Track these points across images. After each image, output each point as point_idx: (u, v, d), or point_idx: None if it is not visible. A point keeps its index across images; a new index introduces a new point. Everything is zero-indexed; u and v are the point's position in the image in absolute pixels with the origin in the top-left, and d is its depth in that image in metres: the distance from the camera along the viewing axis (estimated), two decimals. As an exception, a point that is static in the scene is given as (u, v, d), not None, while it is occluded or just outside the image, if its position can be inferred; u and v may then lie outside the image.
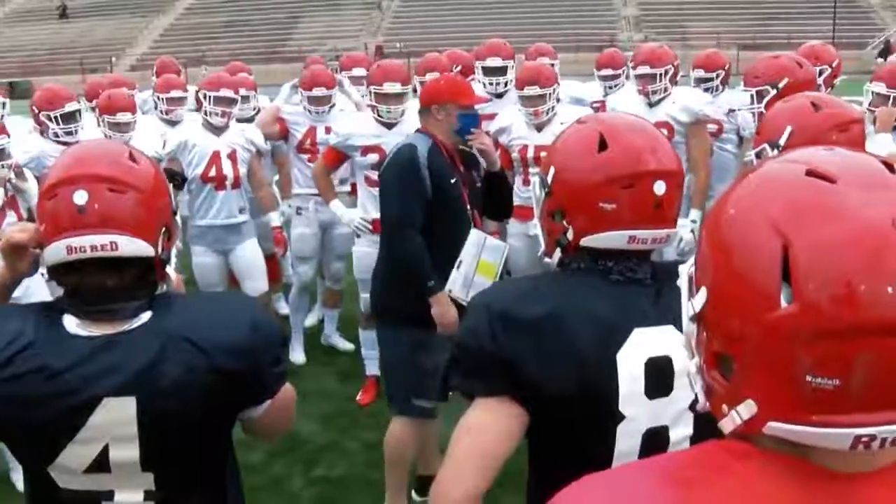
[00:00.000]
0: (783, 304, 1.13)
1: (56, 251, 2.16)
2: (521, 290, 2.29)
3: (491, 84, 7.46)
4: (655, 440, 2.20)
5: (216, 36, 59.06)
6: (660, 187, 2.23)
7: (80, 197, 2.15)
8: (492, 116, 7.27)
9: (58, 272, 2.22)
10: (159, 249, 2.25)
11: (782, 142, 3.41)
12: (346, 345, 8.04)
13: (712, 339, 1.25)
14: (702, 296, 1.26)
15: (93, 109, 7.96)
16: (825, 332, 1.10)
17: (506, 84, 7.48)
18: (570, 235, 2.28)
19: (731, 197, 1.26)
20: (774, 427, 1.17)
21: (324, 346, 8.14)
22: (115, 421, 2.14)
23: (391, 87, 6.31)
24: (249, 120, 7.94)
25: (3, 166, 5.71)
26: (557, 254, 2.36)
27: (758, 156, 3.55)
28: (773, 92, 5.05)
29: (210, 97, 6.90)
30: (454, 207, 4.72)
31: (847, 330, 1.08)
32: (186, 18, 63.89)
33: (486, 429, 2.16)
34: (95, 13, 64.92)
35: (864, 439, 1.12)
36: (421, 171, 4.66)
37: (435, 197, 4.66)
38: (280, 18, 61.21)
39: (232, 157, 6.95)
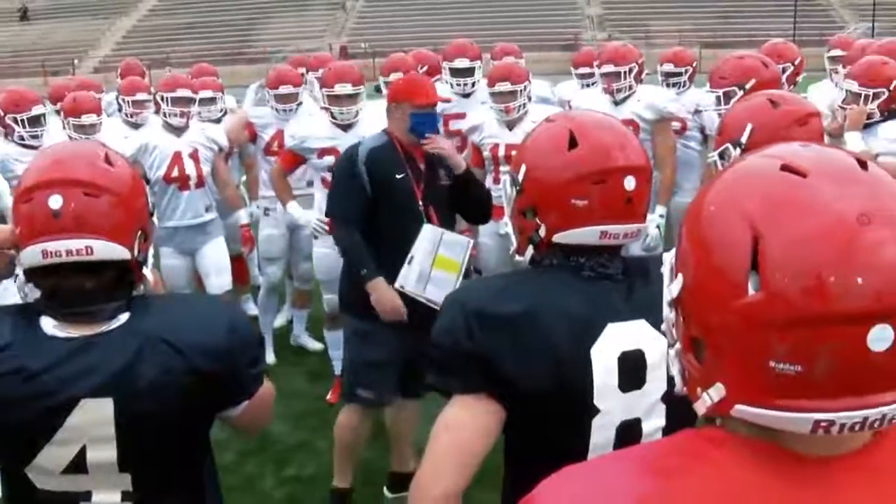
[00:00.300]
0: (751, 292, 1.17)
1: (32, 255, 2.17)
2: (495, 287, 2.32)
3: (459, 85, 7.50)
4: (629, 432, 2.24)
5: (180, 37, 58.71)
6: (630, 183, 2.27)
7: (55, 201, 2.16)
8: (460, 115, 7.31)
9: (35, 274, 2.23)
10: (136, 252, 2.26)
11: (744, 140, 3.46)
12: (315, 345, 8.03)
13: (688, 324, 1.29)
14: (678, 282, 1.31)
15: (57, 112, 7.91)
16: (790, 320, 1.14)
17: (473, 84, 7.53)
18: (542, 232, 2.31)
19: (710, 190, 1.31)
20: (741, 410, 1.22)
21: (293, 346, 8.15)
22: (93, 422, 2.15)
23: (342, 89, 6.31)
24: (217, 122, 7.94)
25: None
26: (529, 251, 2.38)
27: (720, 156, 3.59)
28: (741, 93, 5.11)
29: (167, 98, 6.90)
30: (401, 203, 4.80)
31: (811, 319, 1.13)
32: (149, 20, 63.50)
33: (464, 426, 2.18)
34: (57, 15, 64.39)
35: (823, 424, 1.16)
36: (356, 168, 4.79)
37: (375, 193, 4.77)
38: (244, 19, 60.97)
39: (194, 156, 6.94)
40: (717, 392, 1.25)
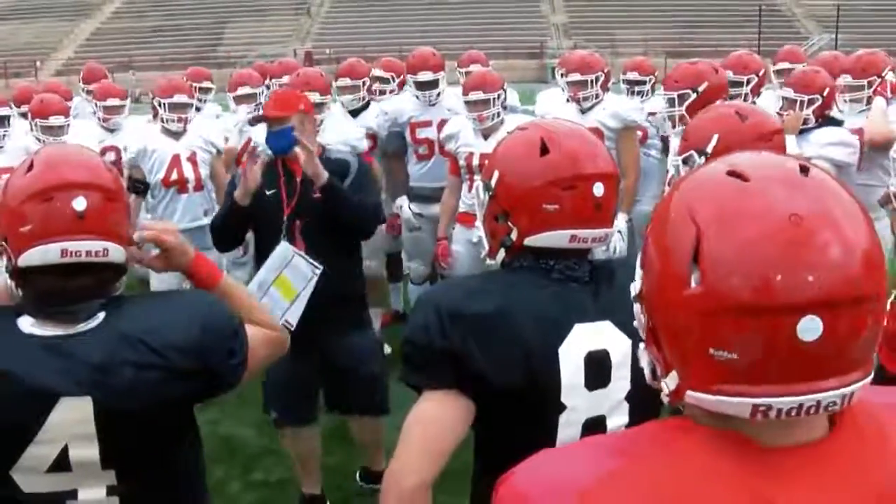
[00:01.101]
0: (692, 284, 1.27)
1: (49, 253, 2.23)
2: (468, 287, 2.40)
3: (424, 96, 7.59)
4: (594, 429, 2.32)
5: (144, 41, 58.48)
6: (599, 189, 2.37)
7: (80, 203, 2.24)
8: (427, 123, 7.39)
9: (24, 272, 2.27)
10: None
11: (709, 149, 3.54)
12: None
13: (648, 317, 1.40)
14: (638, 279, 1.43)
15: (24, 115, 7.91)
16: (725, 310, 1.24)
17: (438, 95, 7.63)
18: (514, 236, 2.40)
19: (670, 194, 1.40)
20: (691, 396, 1.32)
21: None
22: (73, 420, 2.19)
23: (310, 96, 6.35)
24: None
25: None
26: (501, 255, 2.47)
27: (685, 161, 3.67)
28: (694, 95, 5.31)
29: (165, 104, 6.93)
30: (268, 218, 4.84)
31: (744, 309, 1.23)
32: (113, 23, 63.20)
33: (435, 420, 2.26)
34: (19, 16, 63.94)
35: (761, 409, 1.25)
36: (235, 181, 4.94)
37: (249, 207, 4.82)
38: (209, 23, 60.81)
39: (192, 159, 7.01)
40: (672, 380, 1.36)
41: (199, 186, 7.06)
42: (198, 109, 8.09)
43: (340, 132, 6.69)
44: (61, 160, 2.37)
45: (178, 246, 2.55)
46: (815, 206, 1.26)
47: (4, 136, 7.03)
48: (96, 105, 8.24)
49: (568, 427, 2.30)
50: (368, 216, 4.99)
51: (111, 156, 8.05)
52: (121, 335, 2.23)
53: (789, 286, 1.21)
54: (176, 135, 7.01)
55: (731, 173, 1.32)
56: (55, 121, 7.12)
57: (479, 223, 2.56)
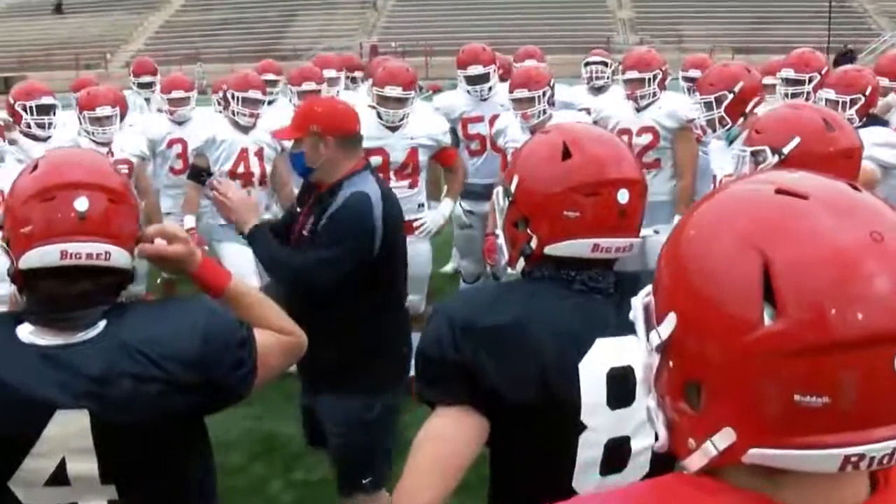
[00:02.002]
0: (766, 322, 1.09)
1: (48, 255, 2.16)
2: (483, 299, 2.30)
3: (475, 91, 7.52)
4: (617, 451, 2.21)
5: (211, 33, 58.97)
6: (623, 196, 2.24)
7: (82, 203, 2.17)
8: (478, 118, 7.32)
9: (26, 276, 2.21)
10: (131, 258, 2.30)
11: (786, 150, 3.38)
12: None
13: (680, 367, 1.20)
14: (670, 322, 1.20)
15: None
16: (812, 348, 1.06)
17: (489, 89, 7.57)
18: (533, 244, 2.29)
19: (693, 219, 1.24)
20: (755, 454, 1.12)
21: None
22: (70, 434, 2.11)
23: (392, 91, 6.33)
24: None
25: None
26: (521, 264, 2.35)
27: (753, 155, 3.52)
28: (731, 96, 5.24)
29: (238, 97, 6.92)
30: (287, 234, 4.42)
31: (835, 345, 1.06)
32: (182, 15, 63.80)
33: (448, 438, 2.16)
34: (91, 9, 64.77)
35: (853, 459, 1.08)
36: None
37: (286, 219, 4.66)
38: (275, 17, 61.12)
39: (259, 154, 7.02)
40: (724, 438, 1.14)
41: (263, 181, 7.08)
42: (270, 103, 8.08)
43: (424, 127, 6.60)
44: (65, 161, 2.32)
45: (185, 255, 2.44)
46: (887, 222, 1.11)
47: (49, 125, 7.05)
48: (161, 97, 8.25)
49: (588, 448, 2.19)
50: (287, 274, 4.27)
51: (178, 148, 8.09)
52: (121, 345, 2.15)
53: (887, 312, 1.05)
54: (245, 128, 7.00)
55: (783, 191, 1.16)
56: (101, 111, 7.11)
57: (498, 230, 2.44)
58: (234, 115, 6.97)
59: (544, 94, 6.61)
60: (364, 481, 4.32)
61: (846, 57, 27.84)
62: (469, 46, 7.85)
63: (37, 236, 2.17)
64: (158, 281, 8.01)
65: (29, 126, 6.98)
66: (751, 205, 1.18)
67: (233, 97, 6.95)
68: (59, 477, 2.15)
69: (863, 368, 1.06)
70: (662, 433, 1.25)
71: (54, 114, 7.18)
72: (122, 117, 7.68)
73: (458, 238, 7.85)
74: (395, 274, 4.29)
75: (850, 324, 1.05)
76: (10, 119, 7.07)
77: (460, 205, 7.46)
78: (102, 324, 2.19)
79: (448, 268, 9.67)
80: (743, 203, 1.19)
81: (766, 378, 1.10)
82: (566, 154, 2.25)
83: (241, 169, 6.95)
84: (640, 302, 1.31)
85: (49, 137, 7.09)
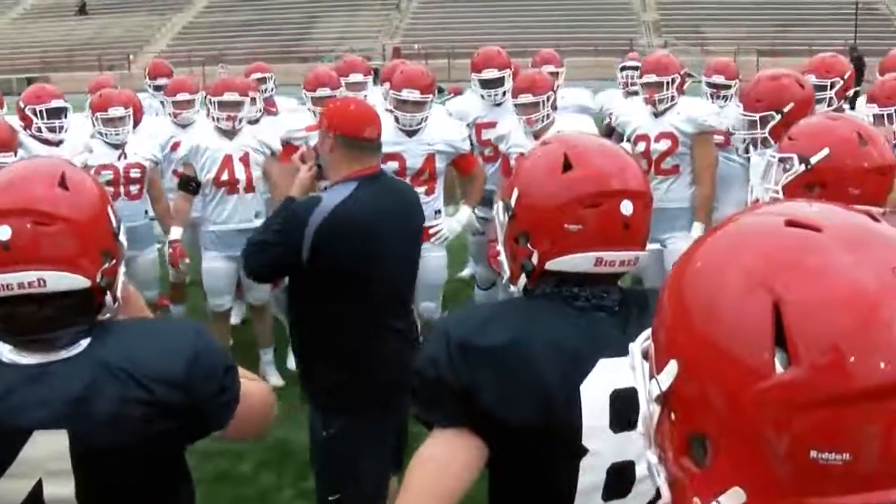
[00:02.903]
0: (778, 370, 0.99)
1: None
2: (482, 317, 2.22)
3: (490, 95, 7.45)
4: (620, 476, 2.14)
5: (234, 35, 59.07)
6: (626, 207, 2.17)
7: (4, 232, 2.04)
8: (492, 124, 7.24)
9: None
10: (98, 277, 2.14)
11: (814, 160, 3.29)
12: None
13: (683, 420, 1.09)
14: (671, 370, 1.09)
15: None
16: (829, 399, 0.96)
17: (504, 94, 7.48)
18: (535, 259, 2.21)
19: (699, 251, 1.13)
20: None
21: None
22: (48, 455, 2.04)
23: (409, 94, 6.27)
24: (254, 122, 7.91)
25: None
26: (522, 280, 2.27)
27: (782, 161, 3.44)
28: (778, 117, 4.97)
29: (214, 102, 6.85)
30: None
31: (855, 396, 0.96)
32: (205, 17, 63.94)
33: (444, 461, 2.10)
34: (114, 10, 65.00)
35: None
36: None
37: None
38: (298, 18, 61.16)
39: (244, 160, 6.91)
40: (733, 499, 1.03)
41: (249, 188, 6.96)
42: (266, 110, 8.02)
43: (442, 133, 6.54)
44: (1, 183, 2.16)
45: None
46: None
47: (59, 128, 7.01)
48: (165, 101, 8.21)
49: (590, 472, 2.12)
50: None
51: (182, 151, 8.04)
52: (103, 365, 2.07)
53: None
54: (229, 134, 6.92)
55: (793, 223, 1.06)
56: (114, 112, 7.04)
57: (499, 246, 2.36)
58: (215, 120, 6.90)
59: (548, 98, 6.56)
60: (330, 498, 4.23)
61: (856, 60, 27.40)
62: (484, 50, 7.78)
63: None
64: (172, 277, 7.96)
65: (40, 130, 6.94)
66: (760, 238, 1.08)
67: (210, 102, 6.89)
68: (35, 499, 2.08)
69: (886, 422, 0.96)
70: (665, 491, 1.14)
71: (65, 117, 7.14)
72: (138, 122, 7.64)
73: (472, 244, 7.78)
74: (362, 291, 4.07)
75: (872, 372, 0.95)
76: (21, 123, 7.05)
77: (474, 211, 7.38)
78: (85, 342, 2.11)
79: (464, 273, 9.60)
80: (751, 236, 1.10)
81: (778, 432, 0.99)
82: (567, 166, 2.18)
83: (224, 176, 6.86)
84: (638, 347, 1.22)
85: (61, 141, 7.05)
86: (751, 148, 5.39)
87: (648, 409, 1.16)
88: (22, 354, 2.09)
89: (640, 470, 2.13)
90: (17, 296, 2.06)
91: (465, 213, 6.77)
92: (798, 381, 0.97)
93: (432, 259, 6.47)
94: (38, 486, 2.07)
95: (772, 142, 5.05)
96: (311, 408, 4.31)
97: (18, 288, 2.04)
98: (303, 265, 3.95)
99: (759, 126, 5.09)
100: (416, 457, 2.12)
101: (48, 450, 2.04)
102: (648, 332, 1.21)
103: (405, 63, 8.50)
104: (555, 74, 8.25)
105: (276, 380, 7.37)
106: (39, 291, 2.06)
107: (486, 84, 7.49)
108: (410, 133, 6.31)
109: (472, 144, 7.49)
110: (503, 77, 7.45)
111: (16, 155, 5.65)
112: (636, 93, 8.73)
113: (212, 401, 2.18)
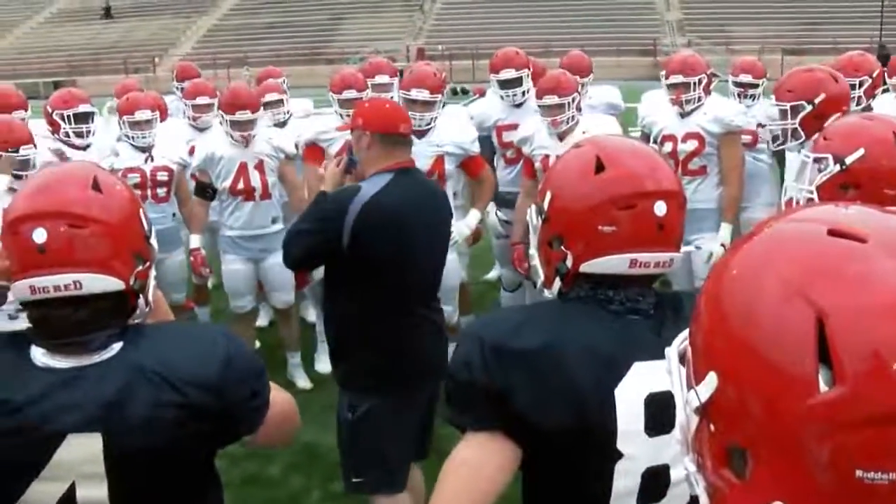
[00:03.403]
0: (822, 387, 0.96)
1: (20, 290, 2.11)
2: (516, 320, 2.20)
3: (508, 96, 7.39)
4: (655, 480, 2.12)
5: (259, 37, 59.20)
6: (661, 208, 2.15)
7: (40, 235, 2.07)
8: (513, 126, 7.20)
9: (25, 304, 2.16)
10: (131, 280, 2.16)
11: (849, 161, 3.26)
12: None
13: (723, 431, 1.06)
14: (710, 382, 1.06)
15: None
16: (876, 418, 0.93)
17: (523, 94, 7.40)
18: (569, 262, 2.20)
19: (737, 259, 1.10)
20: None
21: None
22: (81, 458, 2.05)
23: (418, 94, 6.25)
24: (282, 125, 7.91)
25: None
26: (557, 284, 2.26)
27: (816, 161, 3.42)
28: (809, 108, 4.91)
29: (227, 120, 6.80)
30: None
31: None
32: (229, 19, 64.11)
33: (477, 465, 2.09)
34: (139, 13, 65.29)
35: None
36: None
37: None
38: (322, 20, 61.25)
39: (259, 167, 6.89)
40: None
41: (265, 195, 6.96)
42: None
43: (452, 134, 6.50)
44: (35, 187, 2.21)
45: None
46: None
47: (87, 132, 7.04)
48: (185, 104, 8.22)
49: (625, 477, 2.10)
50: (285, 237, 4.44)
51: (197, 159, 8.04)
52: (137, 368, 2.08)
53: None
54: (244, 141, 6.88)
55: (835, 233, 1.02)
56: (140, 115, 7.06)
57: (533, 251, 2.35)
58: (229, 136, 6.84)
59: (573, 100, 6.50)
60: (354, 480, 4.37)
61: (884, 59, 27.23)
62: (502, 51, 7.68)
63: (13, 270, 2.12)
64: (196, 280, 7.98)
65: (67, 135, 6.96)
66: (800, 247, 1.05)
67: (223, 119, 6.84)
68: (68, 502, 2.09)
69: None
70: (704, 501, 1.12)
71: (92, 121, 7.14)
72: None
73: (497, 247, 7.75)
74: (398, 279, 4.20)
75: None
76: (49, 127, 7.08)
77: (496, 214, 7.32)
78: (118, 346, 2.13)
79: (491, 275, 9.58)
80: (791, 245, 1.06)
81: (822, 450, 0.96)
82: (599, 167, 2.17)
83: (240, 185, 6.86)
84: (674, 351, 1.19)
85: (88, 145, 7.08)
86: (780, 139, 5.31)
87: (686, 418, 1.13)
88: (55, 358, 2.10)
89: (675, 474, 2.12)
90: (52, 299, 2.08)
91: (473, 217, 6.70)
92: (843, 399, 0.94)
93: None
94: (72, 489, 2.08)
95: (802, 133, 5.01)
96: (341, 391, 4.43)
97: (54, 291, 2.07)
98: (343, 252, 4.07)
99: (789, 115, 5.03)
100: (450, 460, 2.11)
101: (82, 453, 2.05)
102: (685, 334, 1.19)
103: (429, 63, 8.47)
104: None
105: (303, 383, 7.39)
106: (74, 294, 2.08)
107: (504, 84, 7.41)
108: (420, 134, 6.27)
109: (493, 147, 7.49)
110: (521, 77, 7.36)
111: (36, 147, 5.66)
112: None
113: (243, 405, 2.19)
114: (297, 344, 7.50)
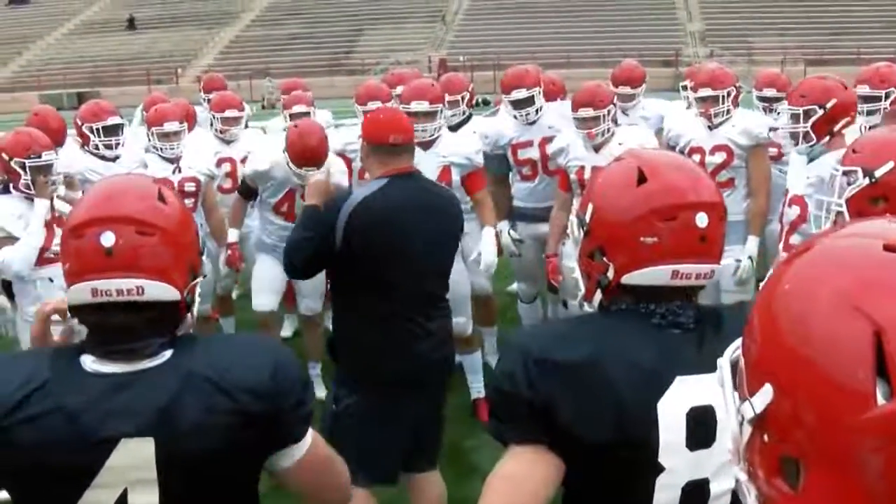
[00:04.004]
0: (880, 401, 0.95)
1: (80, 292, 2.13)
2: (559, 332, 2.23)
3: (521, 115, 7.27)
4: (696, 494, 2.13)
5: (281, 48, 59.41)
6: (702, 219, 2.16)
7: (108, 239, 2.10)
8: (528, 143, 7.19)
9: (79, 310, 2.18)
10: (185, 292, 2.20)
11: (878, 174, 3.27)
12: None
13: (778, 442, 1.06)
14: (766, 394, 1.06)
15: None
16: None
17: (537, 111, 7.28)
18: (610, 274, 2.21)
19: (789, 275, 1.10)
20: None
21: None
22: (134, 464, 2.07)
23: (418, 106, 6.28)
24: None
25: (52, 182, 5.68)
26: (598, 297, 2.28)
27: (846, 174, 3.42)
28: (821, 112, 4.99)
29: (294, 171, 6.52)
30: None
31: None
32: (252, 30, 64.31)
33: (520, 478, 2.10)
34: (162, 25, 65.58)
35: None
36: None
37: None
38: (344, 31, 61.38)
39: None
40: None
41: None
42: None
43: (457, 145, 6.56)
44: (100, 194, 2.27)
45: None
46: None
47: (117, 144, 7.07)
48: (213, 116, 8.23)
49: (666, 490, 2.11)
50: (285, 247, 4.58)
51: (227, 167, 8.08)
52: (188, 374, 2.11)
53: None
54: None
55: (891, 248, 1.02)
56: (169, 126, 7.11)
57: (573, 263, 2.36)
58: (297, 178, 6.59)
59: (609, 112, 6.50)
60: None
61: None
62: (513, 69, 7.54)
63: (72, 273, 2.15)
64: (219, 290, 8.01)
65: (97, 147, 6.99)
66: (857, 262, 1.05)
67: (288, 164, 6.53)
68: None
69: None
70: None
71: (122, 133, 7.17)
72: (189, 130, 7.72)
73: (514, 262, 7.73)
74: (390, 281, 4.29)
75: None
76: (79, 139, 7.13)
77: (508, 233, 7.26)
78: (168, 353, 2.15)
79: (514, 286, 9.57)
80: (847, 260, 1.06)
81: (877, 462, 0.95)
82: (641, 179, 2.18)
83: (284, 208, 6.85)
84: (727, 361, 1.19)
85: (118, 157, 7.12)
86: (792, 141, 5.35)
87: (739, 428, 1.14)
88: (106, 364, 2.12)
89: (715, 487, 2.13)
90: (111, 303, 2.11)
91: (489, 241, 6.57)
92: None
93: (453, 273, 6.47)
94: (123, 497, 2.10)
95: (813, 137, 5.05)
96: (332, 382, 4.62)
97: (117, 294, 2.10)
98: (336, 254, 4.19)
99: (801, 119, 5.09)
100: (493, 474, 2.12)
101: (134, 458, 2.07)
102: (736, 345, 1.19)
103: (451, 75, 8.47)
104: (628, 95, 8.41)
105: (320, 392, 7.38)
106: (134, 300, 2.11)
107: (516, 105, 7.27)
108: (425, 145, 6.28)
109: (508, 165, 7.50)
110: (532, 97, 7.22)
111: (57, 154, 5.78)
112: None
113: (291, 412, 2.21)
114: (319, 353, 7.48)
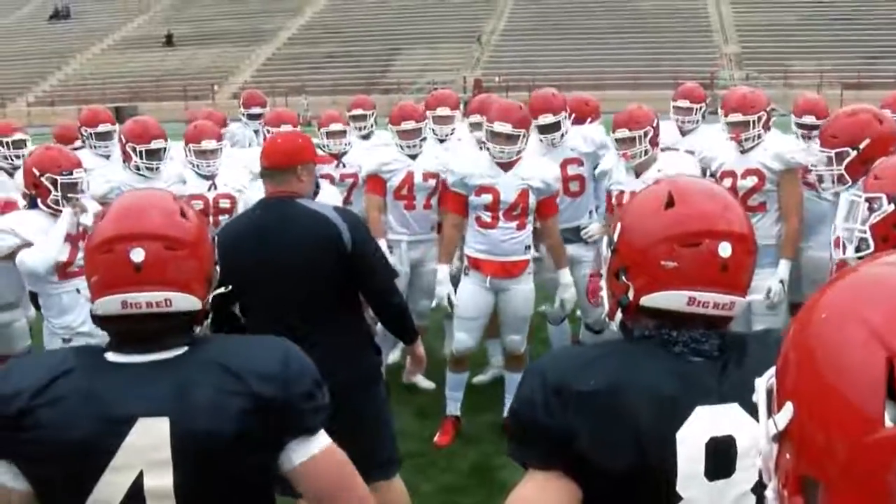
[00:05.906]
0: (888, 424, 0.97)
1: (110, 304, 2.26)
2: (580, 359, 2.22)
3: (548, 139, 7.26)
4: None
5: (317, 66, 59.74)
6: (725, 249, 2.15)
7: (138, 254, 2.24)
8: None
9: (102, 319, 2.31)
10: (204, 301, 2.36)
11: None
12: (426, 383, 7.87)
13: (799, 461, 1.08)
14: (787, 412, 1.09)
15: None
16: None
17: (562, 136, 7.27)
18: (630, 295, 2.22)
19: (824, 300, 1.12)
20: None
21: (404, 383, 7.99)
22: (149, 444, 2.16)
23: (501, 128, 6.27)
24: (341, 156, 8.02)
25: (77, 200, 5.71)
26: (619, 316, 2.29)
27: (868, 200, 3.41)
28: (854, 153, 4.86)
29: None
30: None
31: None
32: (288, 48, 64.76)
33: (536, 503, 2.10)
34: (200, 42, 66.18)
35: None
36: None
37: None
38: (380, 50, 61.63)
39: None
40: None
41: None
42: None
43: (537, 169, 6.56)
44: (126, 210, 2.38)
45: None
46: None
47: (158, 167, 7.04)
48: (268, 131, 8.28)
49: None
50: None
51: None
52: (203, 361, 2.25)
53: None
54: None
55: None
56: (207, 145, 7.16)
57: (602, 282, 2.38)
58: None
59: (646, 134, 6.49)
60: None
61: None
62: (539, 93, 7.48)
63: (103, 285, 2.27)
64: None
65: (138, 168, 7.00)
66: (879, 294, 1.06)
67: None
68: (136, 495, 2.18)
69: None
70: None
71: (164, 155, 7.14)
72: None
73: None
74: (247, 307, 4.42)
75: None
76: (122, 155, 7.17)
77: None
78: (185, 348, 2.29)
79: (544, 307, 9.56)
80: (871, 292, 1.07)
81: (885, 489, 0.96)
82: (670, 203, 2.19)
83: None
84: (763, 385, 1.20)
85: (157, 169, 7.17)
86: (828, 184, 5.28)
87: (767, 446, 1.16)
88: (126, 356, 2.26)
89: (733, 517, 2.13)
90: (138, 314, 2.25)
91: (567, 286, 6.89)
92: None
93: (519, 292, 6.56)
94: (139, 479, 2.17)
95: (848, 179, 4.96)
96: None
97: (146, 307, 2.25)
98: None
99: (834, 162, 4.99)
100: (510, 499, 2.12)
101: (150, 437, 2.16)
102: (774, 369, 1.20)
103: (492, 96, 8.49)
104: (689, 110, 8.47)
105: None
106: (163, 311, 2.25)
107: (543, 129, 7.23)
108: (505, 167, 6.32)
109: None
110: (559, 122, 7.18)
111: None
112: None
113: (303, 401, 2.29)
114: None
